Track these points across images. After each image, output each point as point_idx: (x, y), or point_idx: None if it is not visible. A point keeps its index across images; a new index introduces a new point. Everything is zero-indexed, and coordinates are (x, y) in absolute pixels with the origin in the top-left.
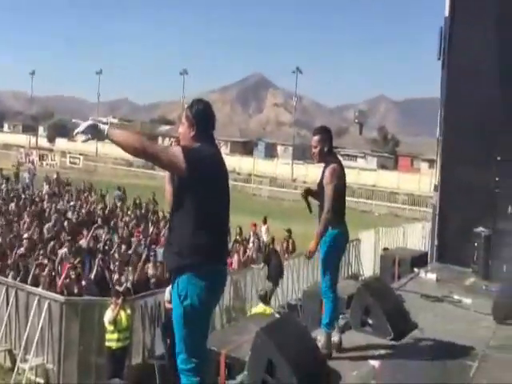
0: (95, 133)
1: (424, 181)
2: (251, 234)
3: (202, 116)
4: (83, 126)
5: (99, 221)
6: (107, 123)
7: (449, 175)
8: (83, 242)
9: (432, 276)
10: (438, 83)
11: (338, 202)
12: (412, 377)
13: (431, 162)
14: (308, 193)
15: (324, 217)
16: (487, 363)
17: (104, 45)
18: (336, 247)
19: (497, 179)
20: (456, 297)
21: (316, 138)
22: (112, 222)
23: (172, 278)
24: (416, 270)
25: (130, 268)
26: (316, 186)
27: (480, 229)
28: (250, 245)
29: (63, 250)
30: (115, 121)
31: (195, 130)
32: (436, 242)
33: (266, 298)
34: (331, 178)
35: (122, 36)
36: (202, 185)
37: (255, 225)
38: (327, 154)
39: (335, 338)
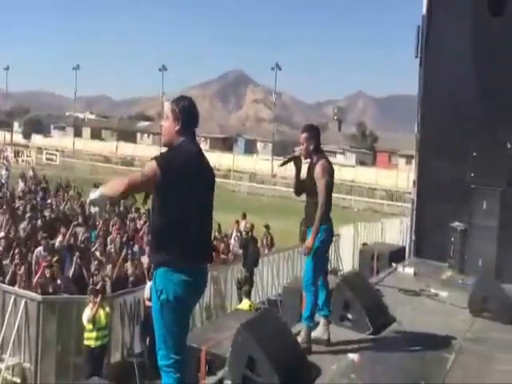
0: (99, 201)
1: (401, 176)
2: (234, 230)
3: (188, 112)
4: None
5: (79, 218)
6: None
7: (426, 171)
8: (60, 241)
9: (410, 270)
10: (416, 81)
11: (328, 197)
12: (390, 370)
13: (409, 158)
14: (297, 160)
15: (320, 212)
16: (464, 355)
17: (82, 40)
18: (323, 242)
19: (472, 175)
20: (433, 290)
21: (303, 135)
22: (91, 220)
23: (152, 274)
24: (394, 264)
25: (110, 266)
26: (296, 183)
27: (456, 223)
28: (233, 241)
29: (38, 249)
30: (93, 117)
31: (180, 125)
32: (413, 237)
33: (250, 294)
34: (323, 173)
35: (101, 31)
36: (177, 185)
37: (238, 222)
38: (314, 152)
39: (324, 335)
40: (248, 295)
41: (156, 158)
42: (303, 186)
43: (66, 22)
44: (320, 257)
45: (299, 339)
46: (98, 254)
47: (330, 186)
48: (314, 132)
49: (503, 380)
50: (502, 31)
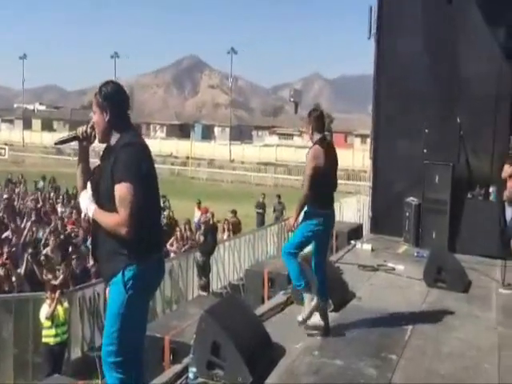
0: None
1: (357, 156)
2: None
3: (115, 98)
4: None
5: (33, 214)
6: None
7: (382, 149)
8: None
9: (367, 247)
10: (367, 61)
11: (322, 184)
12: (352, 344)
13: (364, 138)
14: None
15: (301, 196)
16: (421, 325)
17: (28, 28)
18: (317, 229)
19: (425, 151)
20: (390, 265)
21: (305, 119)
22: (44, 215)
23: (112, 270)
24: (353, 242)
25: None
26: None
27: (410, 199)
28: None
29: None
30: (43, 108)
31: (109, 115)
32: (370, 214)
33: (207, 288)
34: (310, 159)
35: (49, 17)
36: (146, 186)
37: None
38: (315, 136)
39: (321, 322)
40: (205, 289)
41: (126, 178)
42: None
43: (12, 10)
44: (304, 241)
45: (303, 316)
46: (49, 250)
47: (322, 172)
48: (315, 115)
49: (459, 347)
50: (450, 13)
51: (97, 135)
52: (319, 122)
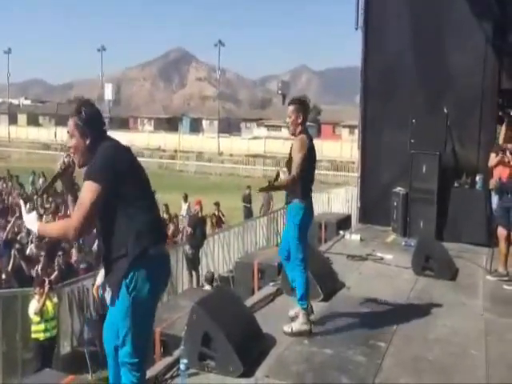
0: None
1: (345, 147)
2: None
3: (94, 120)
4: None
5: (16, 211)
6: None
7: (370, 140)
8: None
9: (356, 237)
10: (355, 52)
11: (306, 175)
12: (342, 333)
13: (351, 128)
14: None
15: (289, 178)
16: (409, 313)
17: (12, 22)
18: (303, 220)
19: (412, 141)
20: (379, 254)
21: (291, 107)
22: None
23: (116, 277)
24: (341, 232)
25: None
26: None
27: (398, 188)
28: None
29: None
30: (28, 102)
31: (90, 137)
32: (359, 204)
33: (212, 280)
34: (300, 148)
35: (33, 11)
36: (129, 181)
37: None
38: (300, 126)
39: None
40: (210, 282)
41: (93, 177)
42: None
43: None
44: (302, 234)
45: (298, 323)
46: (33, 247)
47: (309, 161)
48: (301, 105)
49: (447, 333)
50: (437, 4)
51: (76, 160)
52: (308, 112)
